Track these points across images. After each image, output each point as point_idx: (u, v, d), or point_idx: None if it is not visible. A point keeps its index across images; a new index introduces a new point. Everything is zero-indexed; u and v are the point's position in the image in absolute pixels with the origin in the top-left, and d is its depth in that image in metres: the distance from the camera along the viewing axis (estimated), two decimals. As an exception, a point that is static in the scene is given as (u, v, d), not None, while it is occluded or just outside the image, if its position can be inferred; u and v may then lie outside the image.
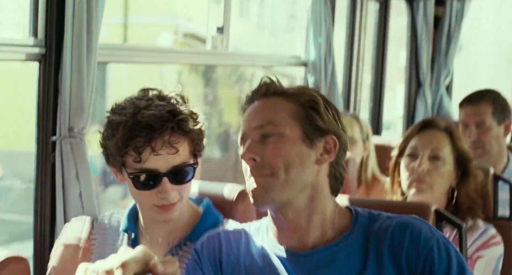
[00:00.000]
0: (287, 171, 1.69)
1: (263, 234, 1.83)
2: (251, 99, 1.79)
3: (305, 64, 4.15)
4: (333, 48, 4.16)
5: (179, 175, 2.02)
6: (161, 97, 2.02)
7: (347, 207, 1.82)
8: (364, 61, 4.79)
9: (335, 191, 1.79)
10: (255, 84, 1.81)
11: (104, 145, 2.01)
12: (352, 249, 1.72)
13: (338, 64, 4.36)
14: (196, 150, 2.06)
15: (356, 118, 3.74)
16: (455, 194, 2.57)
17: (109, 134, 1.97)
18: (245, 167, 1.75)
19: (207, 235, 1.88)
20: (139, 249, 1.24)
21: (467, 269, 1.67)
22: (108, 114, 2.01)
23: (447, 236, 2.42)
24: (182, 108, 2.00)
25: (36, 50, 2.37)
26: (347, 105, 4.60)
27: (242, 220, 2.31)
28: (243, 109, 1.81)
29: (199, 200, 2.23)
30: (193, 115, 2.03)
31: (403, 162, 2.62)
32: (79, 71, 2.33)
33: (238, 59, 3.99)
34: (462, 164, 2.58)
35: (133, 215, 2.20)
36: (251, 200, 1.73)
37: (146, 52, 2.88)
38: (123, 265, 1.19)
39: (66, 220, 2.34)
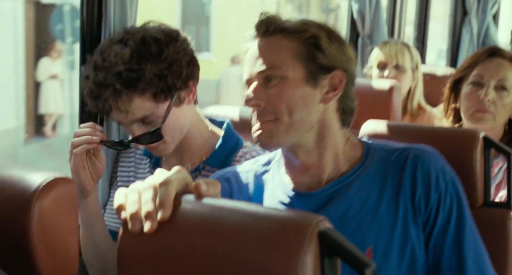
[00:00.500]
0: (290, 114, 1.68)
1: (273, 172, 1.84)
2: (253, 37, 1.75)
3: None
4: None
5: (144, 128, 2.08)
6: (128, 41, 2.04)
7: (360, 141, 1.82)
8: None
9: (346, 124, 1.79)
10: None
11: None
12: (365, 180, 1.73)
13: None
14: (160, 94, 2.05)
15: (407, 46, 3.67)
16: None
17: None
18: (250, 111, 1.75)
19: (217, 176, 1.88)
20: (178, 169, 1.24)
21: (466, 214, 1.69)
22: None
23: (499, 166, 2.39)
24: (144, 53, 2.02)
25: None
26: (391, 33, 4.53)
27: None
28: (245, 51, 1.78)
29: (221, 122, 2.26)
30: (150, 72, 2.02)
31: (465, 90, 2.56)
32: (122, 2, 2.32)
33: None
34: None
35: None
36: (257, 144, 1.73)
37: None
38: (167, 183, 1.19)
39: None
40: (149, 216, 1.16)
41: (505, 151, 2.02)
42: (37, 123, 9.01)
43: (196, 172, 2.15)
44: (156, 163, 2.23)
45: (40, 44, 9.44)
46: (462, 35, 5.38)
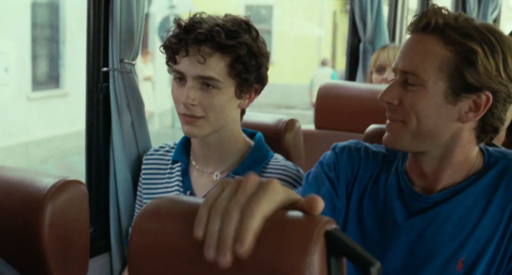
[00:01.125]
0: (419, 122, 1.63)
1: (398, 163, 1.79)
2: (412, 29, 1.66)
3: (350, -4, 4.11)
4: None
5: (209, 88, 2.02)
6: (229, 17, 2.05)
7: (480, 148, 1.75)
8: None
9: (483, 140, 1.71)
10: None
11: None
12: (475, 190, 1.68)
13: None
14: (236, 66, 2.02)
15: None
16: None
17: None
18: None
19: (351, 144, 1.85)
20: (274, 186, 1.14)
21: None
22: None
23: None
24: (240, 31, 2.01)
25: (87, -19, 2.37)
26: (392, 38, 4.56)
27: (290, 151, 2.34)
28: (407, 32, 1.69)
29: (252, 133, 2.25)
30: (245, 42, 2.01)
31: None
32: (129, 3, 2.33)
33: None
34: None
35: (184, 146, 2.25)
36: (385, 138, 1.69)
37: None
38: (254, 212, 1.09)
39: (123, 149, 2.40)
40: (225, 250, 1.07)
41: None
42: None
43: None
44: (185, 170, 2.20)
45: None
46: (463, 40, 5.40)
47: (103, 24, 2.38)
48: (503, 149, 1.77)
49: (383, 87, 3.33)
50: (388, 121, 1.68)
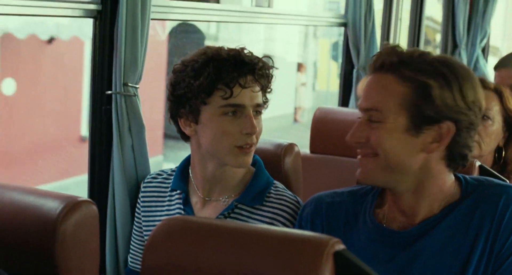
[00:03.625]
0: (386, 156, 1.68)
1: (366, 206, 1.84)
2: (370, 70, 1.73)
3: (345, 24, 4.17)
4: (373, 8, 4.17)
5: (258, 115, 2.10)
6: (231, 48, 2.10)
7: (458, 178, 1.79)
8: (401, 21, 4.79)
9: (456, 168, 1.76)
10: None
11: (183, 90, 2.06)
12: (454, 220, 1.72)
13: (376, 24, 4.37)
14: (266, 96, 2.12)
15: None
16: (503, 154, 2.60)
17: (192, 75, 2.04)
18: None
19: (310, 200, 1.91)
20: None
21: None
22: (178, 65, 2.09)
23: None
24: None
25: (92, 6, 2.42)
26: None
27: (289, 175, 2.38)
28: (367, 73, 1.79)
29: None
30: (268, 63, 2.11)
31: None
32: (134, 27, 2.38)
33: (279, 18, 4.02)
34: (510, 124, 2.61)
35: (183, 174, 2.24)
36: (358, 175, 1.74)
37: (196, 9, 2.93)
38: None
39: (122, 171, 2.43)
40: None
41: (499, 179, 2.10)
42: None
43: (228, 210, 2.13)
44: (186, 198, 2.20)
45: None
46: (452, 68, 5.46)
47: (108, 47, 2.42)
48: (481, 177, 1.81)
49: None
50: (359, 156, 1.74)
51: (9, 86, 8.33)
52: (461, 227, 1.70)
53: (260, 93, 2.08)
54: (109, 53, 2.43)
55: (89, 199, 1.60)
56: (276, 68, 2.14)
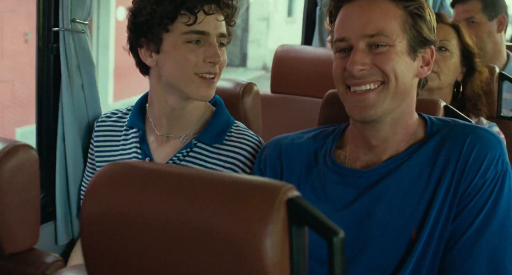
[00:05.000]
0: (397, 81, 1.66)
1: (326, 147, 1.81)
2: None
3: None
4: None
5: (221, 46, 2.04)
6: None
7: (419, 114, 1.79)
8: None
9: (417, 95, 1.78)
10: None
11: (144, 17, 1.98)
12: (418, 160, 1.70)
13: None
14: (229, 31, 2.07)
15: None
16: (461, 89, 2.62)
17: (154, 1, 1.96)
18: (341, 77, 1.69)
19: (269, 142, 1.89)
20: None
21: (499, 209, 1.62)
22: None
23: None
24: None
25: None
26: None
27: (247, 115, 2.30)
28: (336, 5, 1.71)
29: None
30: None
31: None
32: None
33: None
34: (468, 59, 2.63)
35: (140, 111, 2.18)
36: (359, 114, 1.68)
37: None
38: None
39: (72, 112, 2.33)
40: None
41: (465, 120, 2.04)
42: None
43: (187, 148, 2.08)
44: (143, 136, 2.14)
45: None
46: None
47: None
48: (447, 118, 1.79)
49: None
50: (357, 91, 1.67)
51: (121, 13, 10.53)
52: (426, 167, 1.68)
53: (223, 23, 2.02)
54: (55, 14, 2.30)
55: (27, 143, 1.50)
56: None
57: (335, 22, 1.73)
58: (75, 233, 2.41)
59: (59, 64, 2.31)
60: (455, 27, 2.64)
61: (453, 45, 2.61)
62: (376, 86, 1.66)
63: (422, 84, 1.77)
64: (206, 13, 1.96)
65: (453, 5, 3.68)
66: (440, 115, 1.99)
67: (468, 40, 2.64)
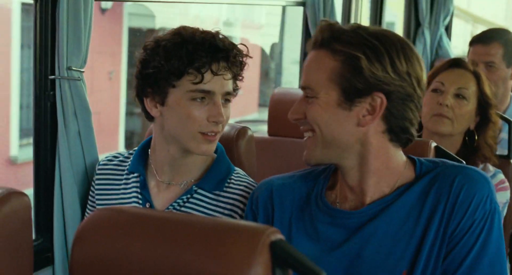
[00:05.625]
0: (322, 131, 1.68)
1: (317, 188, 1.83)
2: (309, 48, 1.74)
3: (303, 3, 4.10)
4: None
5: (227, 103, 2.06)
6: (206, 31, 2.03)
7: (412, 159, 1.79)
8: (363, 0, 4.73)
9: (402, 143, 1.74)
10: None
11: (152, 70, 1.99)
12: (408, 200, 1.70)
13: (337, 3, 4.31)
14: (236, 84, 2.08)
15: None
16: (475, 137, 2.60)
17: (164, 56, 1.97)
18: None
19: (261, 183, 1.91)
20: None
21: (489, 248, 1.63)
22: (151, 42, 2.02)
23: None
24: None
25: (32, -13, 2.33)
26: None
27: (242, 158, 2.32)
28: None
29: None
30: (242, 49, 2.06)
31: (425, 97, 2.62)
32: (76, 8, 2.28)
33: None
34: (483, 109, 2.61)
35: (142, 157, 2.18)
36: (303, 158, 1.75)
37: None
38: None
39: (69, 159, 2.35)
40: None
41: (456, 161, 2.06)
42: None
43: (187, 195, 2.09)
44: (144, 181, 2.15)
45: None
46: (416, 46, 5.44)
47: (51, 30, 2.33)
48: (437, 159, 1.80)
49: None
50: (304, 138, 1.75)
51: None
52: (415, 207, 1.69)
53: (231, 81, 2.04)
54: (51, 36, 2.33)
55: (20, 191, 1.52)
56: (251, 57, 2.09)
57: None
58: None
59: (55, 111, 2.34)
60: (476, 75, 2.61)
61: (471, 92, 2.58)
62: (312, 134, 1.71)
63: (393, 130, 1.71)
64: (214, 73, 1.98)
65: (472, 43, 3.66)
66: (431, 155, 2.01)
67: (487, 90, 2.62)
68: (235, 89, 2.07)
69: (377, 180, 1.73)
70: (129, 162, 2.20)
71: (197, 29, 2.02)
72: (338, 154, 1.71)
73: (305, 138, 1.74)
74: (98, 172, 2.26)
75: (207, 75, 1.97)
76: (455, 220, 1.64)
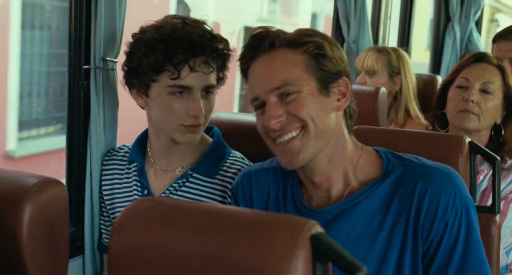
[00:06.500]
0: (315, 123, 1.67)
1: (292, 181, 1.84)
2: (252, 55, 1.72)
3: (334, -4, 4.09)
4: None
5: (209, 95, 2.08)
6: (194, 20, 2.06)
7: (376, 151, 1.79)
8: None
9: (351, 129, 1.78)
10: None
11: (134, 64, 2.04)
12: (373, 202, 1.70)
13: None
14: (221, 75, 2.10)
15: (389, 51, 3.64)
16: (502, 132, 2.57)
17: (143, 51, 2.01)
18: (265, 131, 1.72)
19: (240, 174, 1.93)
20: None
21: (473, 244, 1.64)
22: (137, 34, 2.06)
23: (484, 173, 2.41)
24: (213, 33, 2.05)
25: (68, -22, 2.33)
26: (375, 38, 4.55)
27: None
28: (244, 67, 1.75)
29: (208, 127, 2.25)
30: (224, 41, 2.07)
31: (451, 93, 2.61)
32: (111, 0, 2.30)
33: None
34: (510, 102, 2.58)
35: (140, 146, 2.25)
36: (288, 163, 1.70)
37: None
38: None
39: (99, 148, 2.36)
40: None
41: (490, 156, 2.05)
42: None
43: (183, 179, 2.15)
44: (141, 170, 2.21)
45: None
46: (445, 41, 5.41)
47: (85, 21, 2.34)
48: (406, 155, 1.78)
49: (364, 88, 3.33)
50: (280, 142, 1.70)
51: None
52: (379, 211, 1.69)
53: (212, 74, 2.06)
54: (86, 26, 2.34)
55: (57, 179, 1.53)
56: (231, 51, 2.10)
57: (247, 79, 1.78)
58: (99, 267, 2.43)
59: (89, 100, 2.35)
60: (501, 69, 2.60)
61: (496, 87, 2.56)
62: (298, 132, 1.68)
63: (349, 113, 1.77)
64: (191, 70, 2.01)
65: (495, 40, 3.64)
66: (465, 151, 1.99)
67: None
68: (220, 79, 2.10)
69: (344, 173, 1.74)
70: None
71: (179, 22, 2.04)
72: (323, 145, 1.70)
73: (284, 141, 1.70)
74: (104, 163, 2.33)
75: (184, 71, 2.01)
76: (425, 225, 1.63)
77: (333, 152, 1.72)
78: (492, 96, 2.55)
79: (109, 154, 2.34)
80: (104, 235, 2.36)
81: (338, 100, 1.72)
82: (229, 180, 2.11)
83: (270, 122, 1.67)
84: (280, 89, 1.68)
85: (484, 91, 2.54)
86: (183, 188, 2.13)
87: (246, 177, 1.90)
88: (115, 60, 2.35)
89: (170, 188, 2.15)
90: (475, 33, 5.48)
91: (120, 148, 2.35)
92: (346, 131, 1.76)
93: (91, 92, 2.34)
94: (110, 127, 2.40)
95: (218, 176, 2.13)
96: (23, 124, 7.27)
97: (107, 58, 2.32)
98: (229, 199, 2.08)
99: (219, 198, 2.11)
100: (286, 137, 1.69)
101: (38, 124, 7.51)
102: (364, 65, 3.57)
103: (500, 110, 2.58)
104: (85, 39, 2.35)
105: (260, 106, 1.72)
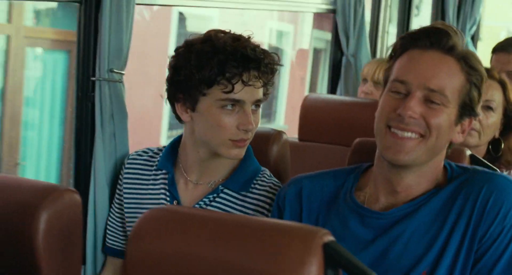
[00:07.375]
0: (437, 139, 1.69)
1: (347, 186, 1.85)
2: (425, 43, 1.71)
3: (334, 11, 4.13)
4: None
5: (257, 109, 2.08)
6: (240, 35, 2.06)
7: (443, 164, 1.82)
8: (391, 9, 4.76)
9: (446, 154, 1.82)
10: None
11: (183, 77, 2.02)
12: (436, 204, 1.73)
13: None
14: (267, 90, 2.10)
15: None
16: (502, 145, 2.60)
17: (195, 64, 1.99)
18: (387, 115, 1.71)
19: (290, 181, 1.92)
20: None
21: None
22: (182, 48, 2.04)
23: None
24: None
25: (77, -10, 2.37)
26: (373, 53, 4.59)
27: (277, 163, 2.36)
28: (408, 45, 1.73)
29: None
30: (275, 56, 2.09)
31: None
32: (119, 12, 2.33)
33: (262, 3, 3.95)
34: (508, 118, 2.60)
35: (171, 154, 2.21)
36: (393, 156, 1.71)
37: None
38: None
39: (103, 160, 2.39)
40: None
41: (490, 168, 2.08)
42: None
43: (214, 194, 2.12)
44: (172, 179, 2.18)
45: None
46: (441, 55, 5.44)
47: (93, 33, 2.38)
48: (469, 165, 1.85)
49: (365, 100, 3.36)
50: (398, 135, 1.69)
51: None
52: (441, 211, 1.72)
53: (261, 89, 2.06)
54: (94, 38, 2.38)
55: (72, 188, 1.57)
56: (281, 65, 2.12)
57: (395, 60, 1.76)
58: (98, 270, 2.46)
59: (94, 112, 2.39)
60: (502, 84, 2.61)
61: (498, 103, 2.58)
62: (416, 136, 1.68)
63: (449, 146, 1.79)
64: (244, 84, 1.99)
65: (494, 51, 3.63)
66: (466, 163, 2.03)
67: None
68: (266, 94, 2.10)
69: (424, 186, 1.76)
70: (158, 159, 2.23)
71: (228, 37, 2.03)
72: (429, 160, 1.73)
73: (398, 133, 1.70)
74: (127, 166, 2.28)
75: (238, 85, 1.99)
76: (484, 227, 1.67)
77: (426, 170, 1.75)
78: (493, 113, 2.56)
79: (132, 158, 2.30)
80: (111, 238, 2.34)
81: (458, 133, 1.75)
82: (261, 198, 2.10)
83: (407, 112, 1.66)
84: (432, 92, 1.68)
85: (486, 108, 2.54)
86: (213, 203, 2.11)
87: (295, 189, 1.88)
88: (122, 72, 2.39)
89: (200, 202, 2.11)
90: (471, 47, 5.53)
91: (144, 151, 2.30)
92: (443, 159, 1.79)
93: (95, 103, 2.37)
94: (121, 139, 2.43)
95: (250, 193, 2.11)
96: (171, 125, 8.41)
97: (114, 70, 2.36)
98: (261, 216, 2.07)
99: (252, 213, 2.09)
100: (405, 134, 1.69)
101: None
102: (375, 77, 3.59)
103: (499, 124, 2.61)
104: (93, 50, 2.39)
105: (396, 90, 1.71)
